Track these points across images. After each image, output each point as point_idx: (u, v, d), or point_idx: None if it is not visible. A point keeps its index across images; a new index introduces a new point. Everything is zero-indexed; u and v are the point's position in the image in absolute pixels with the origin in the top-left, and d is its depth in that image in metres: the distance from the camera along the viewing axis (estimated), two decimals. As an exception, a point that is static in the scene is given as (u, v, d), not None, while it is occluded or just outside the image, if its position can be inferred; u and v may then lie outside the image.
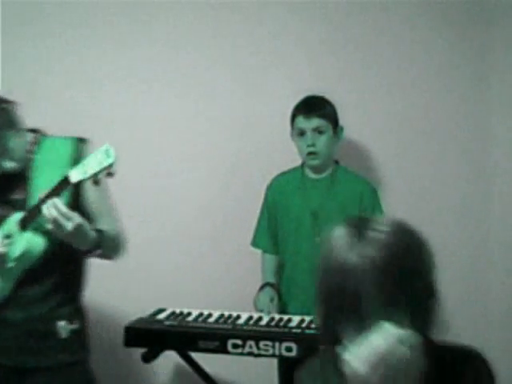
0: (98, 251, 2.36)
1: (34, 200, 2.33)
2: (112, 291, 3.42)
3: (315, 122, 3.02)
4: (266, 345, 2.72)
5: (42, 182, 2.35)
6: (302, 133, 3.04)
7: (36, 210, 2.26)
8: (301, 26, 3.42)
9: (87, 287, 3.16)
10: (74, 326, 2.48)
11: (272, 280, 3.11)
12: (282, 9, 3.41)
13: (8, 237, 2.33)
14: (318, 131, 3.02)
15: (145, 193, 3.48)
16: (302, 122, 3.03)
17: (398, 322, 1.35)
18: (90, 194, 2.39)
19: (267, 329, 2.81)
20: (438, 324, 1.44)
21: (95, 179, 2.21)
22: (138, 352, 2.87)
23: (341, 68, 3.42)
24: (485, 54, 3.33)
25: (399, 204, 3.34)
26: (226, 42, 3.46)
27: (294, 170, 3.18)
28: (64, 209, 2.20)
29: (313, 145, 3.01)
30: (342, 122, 3.13)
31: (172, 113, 3.48)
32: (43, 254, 2.35)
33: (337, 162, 3.15)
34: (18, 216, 2.34)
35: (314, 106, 3.05)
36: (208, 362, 3.03)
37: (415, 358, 1.35)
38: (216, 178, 3.49)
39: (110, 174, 2.20)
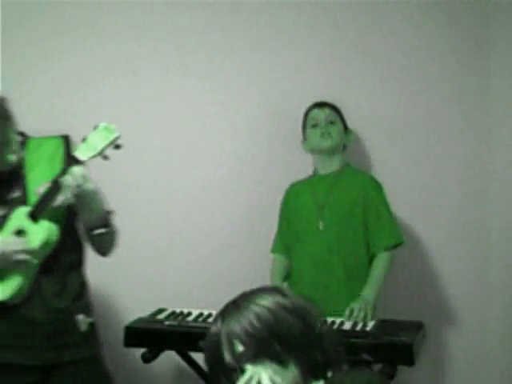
0: (108, 229, 2.44)
1: (31, 197, 2.37)
2: (112, 291, 3.42)
3: (328, 111, 3.16)
4: (266, 345, 2.72)
5: (36, 179, 2.39)
6: (315, 124, 3.15)
7: (47, 199, 2.31)
8: (309, 31, 3.42)
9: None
10: (91, 319, 2.51)
11: (280, 284, 3.11)
12: (290, 12, 3.41)
13: (20, 232, 2.35)
14: (331, 121, 3.14)
15: (147, 193, 3.48)
16: (315, 112, 3.17)
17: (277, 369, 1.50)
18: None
19: (267, 329, 2.80)
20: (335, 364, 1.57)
21: (104, 154, 2.32)
22: (138, 352, 2.87)
23: (342, 67, 3.42)
24: (485, 54, 3.33)
25: (400, 204, 3.34)
26: (235, 47, 3.46)
27: (307, 177, 3.24)
28: (85, 171, 2.30)
29: (326, 129, 3.12)
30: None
31: (186, 115, 3.48)
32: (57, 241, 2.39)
33: (347, 164, 3.20)
34: (23, 210, 2.36)
35: (325, 102, 3.20)
36: (208, 362, 3.03)
37: None
38: (223, 181, 3.49)
39: (117, 147, 2.33)
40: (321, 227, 3.08)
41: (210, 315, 2.94)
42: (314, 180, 3.19)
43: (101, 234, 2.45)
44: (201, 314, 2.96)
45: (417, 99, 3.38)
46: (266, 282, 3.14)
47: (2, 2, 3.40)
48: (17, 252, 2.33)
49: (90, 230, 2.45)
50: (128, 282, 3.45)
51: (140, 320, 2.96)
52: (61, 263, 2.44)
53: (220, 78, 3.47)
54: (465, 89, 3.36)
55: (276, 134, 3.45)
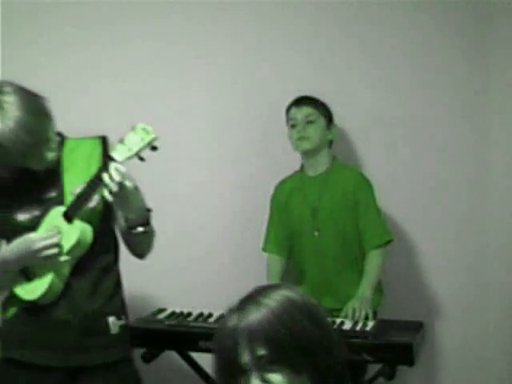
0: (147, 227, 2.45)
1: (68, 197, 2.38)
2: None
3: (306, 110, 3.11)
4: (266, 345, 2.72)
5: (72, 179, 2.40)
6: (294, 124, 3.12)
7: (83, 199, 2.32)
8: (299, 25, 3.41)
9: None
10: (122, 322, 2.50)
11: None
12: (278, 8, 3.40)
13: (55, 230, 2.35)
14: (309, 121, 3.10)
15: (146, 194, 3.47)
16: (293, 111, 3.13)
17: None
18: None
19: (267, 329, 2.80)
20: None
21: (140, 156, 2.31)
22: (138, 352, 2.87)
23: (338, 66, 3.41)
24: (484, 54, 3.32)
25: (400, 204, 3.34)
26: (225, 45, 3.46)
27: (295, 173, 3.23)
28: (125, 169, 2.30)
29: (304, 131, 3.08)
30: (338, 121, 3.17)
31: (178, 113, 3.48)
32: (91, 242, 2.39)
33: (334, 158, 3.18)
34: (58, 210, 2.36)
35: (304, 98, 3.15)
36: (208, 362, 3.02)
37: None
38: (220, 181, 3.49)
39: (154, 148, 2.31)
40: (316, 233, 3.09)
41: (210, 315, 2.94)
42: (304, 180, 3.17)
43: (141, 233, 2.45)
44: (201, 314, 2.96)
45: (414, 97, 3.37)
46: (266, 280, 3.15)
47: (2, 1, 3.41)
48: (42, 249, 2.31)
49: (129, 228, 2.45)
50: (128, 282, 3.44)
51: (140, 320, 2.97)
52: (94, 265, 2.44)
53: (209, 76, 3.46)
54: (464, 87, 3.35)
55: (267, 132, 3.43)
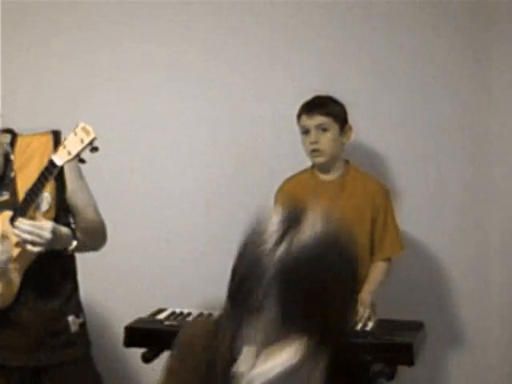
0: (74, 244, 2.39)
1: (21, 198, 2.34)
2: (112, 291, 3.42)
3: (318, 119, 3.00)
4: (266, 345, 2.72)
5: (26, 179, 2.36)
6: (306, 131, 3.02)
7: (27, 203, 2.28)
8: (306, 25, 3.41)
9: (88, 287, 3.17)
10: (81, 320, 2.50)
11: None
12: (287, 8, 3.40)
13: (3, 237, 2.34)
14: (322, 128, 2.99)
15: (145, 193, 3.48)
16: (305, 120, 3.03)
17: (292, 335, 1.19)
18: (72, 185, 2.41)
19: (267, 329, 2.80)
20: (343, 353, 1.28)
21: (80, 158, 2.26)
22: (138, 352, 2.87)
23: (341, 68, 3.41)
24: (486, 54, 3.33)
25: (400, 204, 3.34)
26: (229, 41, 3.46)
27: (305, 171, 3.15)
28: (33, 222, 2.25)
29: (316, 142, 2.99)
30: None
31: (175, 113, 3.49)
32: None
33: (347, 162, 3.12)
34: (7, 214, 2.33)
35: (316, 104, 3.03)
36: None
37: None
38: (217, 179, 3.49)
39: (94, 149, 2.24)
40: None
41: (209, 315, 2.93)
42: (317, 181, 3.08)
43: (74, 250, 2.43)
44: (201, 314, 2.96)
45: (415, 100, 3.38)
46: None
47: (2, 1, 3.41)
48: None
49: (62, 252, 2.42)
50: (128, 283, 3.44)
51: (140, 320, 2.96)
52: (51, 267, 2.41)
53: (209, 77, 3.46)
54: (465, 89, 3.36)
55: (270, 131, 3.42)
